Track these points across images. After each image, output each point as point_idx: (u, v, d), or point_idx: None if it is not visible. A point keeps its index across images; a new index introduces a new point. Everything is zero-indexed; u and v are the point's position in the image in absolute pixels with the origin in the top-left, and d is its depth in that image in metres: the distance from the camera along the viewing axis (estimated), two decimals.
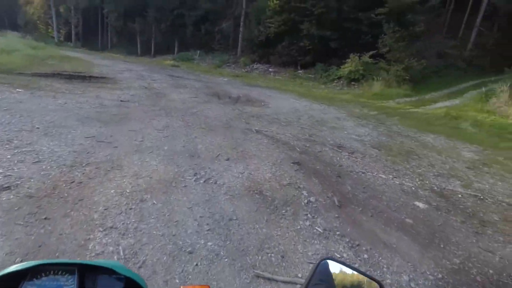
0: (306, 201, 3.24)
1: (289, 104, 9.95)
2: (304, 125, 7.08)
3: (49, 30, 34.11)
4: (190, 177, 3.48)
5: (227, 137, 5.24)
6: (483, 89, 13.30)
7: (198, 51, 25.64)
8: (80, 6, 31.29)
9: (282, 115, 7.98)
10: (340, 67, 17.52)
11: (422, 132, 7.81)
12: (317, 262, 0.70)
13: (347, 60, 16.88)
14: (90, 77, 10.60)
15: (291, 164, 4.27)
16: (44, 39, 29.80)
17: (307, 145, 5.35)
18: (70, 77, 10.02)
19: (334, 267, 0.70)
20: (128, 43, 31.15)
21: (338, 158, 4.86)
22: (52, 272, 0.55)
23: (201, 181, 3.41)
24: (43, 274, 0.55)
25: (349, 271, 0.70)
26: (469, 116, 10.18)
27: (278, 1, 18.84)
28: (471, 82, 17.91)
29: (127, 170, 3.43)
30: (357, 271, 0.70)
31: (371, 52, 16.29)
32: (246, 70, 21.32)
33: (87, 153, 3.79)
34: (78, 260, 0.59)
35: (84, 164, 3.44)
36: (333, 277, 0.69)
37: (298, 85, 16.56)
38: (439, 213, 3.42)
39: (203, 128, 5.62)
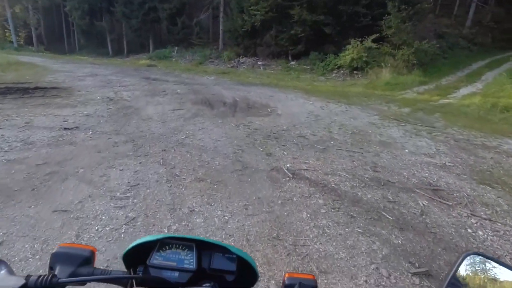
0: None
1: (301, 107, 7.48)
2: (346, 144, 4.65)
3: (7, 34, 29.79)
4: None
5: (249, 200, 2.74)
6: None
7: (176, 48, 22.57)
8: (38, 5, 27.20)
9: (304, 127, 5.51)
10: (338, 55, 15.12)
11: (494, 136, 5.55)
12: (462, 256, 0.60)
13: (347, 46, 14.48)
14: (36, 88, 7.72)
15: (417, 281, 1.87)
16: (1, 44, 25.91)
17: (389, 197, 2.94)
18: (5, 91, 7.13)
19: (482, 263, 0.59)
20: (98, 43, 27.51)
21: (472, 234, 2.45)
22: (175, 246, 0.59)
23: None
24: (167, 247, 0.59)
25: (501, 269, 0.57)
26: (511, 104, 8.06)
27: None
28: (480, 62, 15.99)
29: None
30: None
31: (373, 36, 13.96)
32: (231, 65, 18.57)
33: None
34: (197, 236, 0.60)
35: None
36: (480, 274, 0.59)
37: (295, 79, 14.06)
38: None
39: (201, 180, 3.08)
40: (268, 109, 6.99)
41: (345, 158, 3.97)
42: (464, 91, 10.68)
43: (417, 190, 3.15)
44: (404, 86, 11.40)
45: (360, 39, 14.07)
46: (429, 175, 3.59)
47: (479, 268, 0.60)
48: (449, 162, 4.11)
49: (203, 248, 0.60)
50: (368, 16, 15.08)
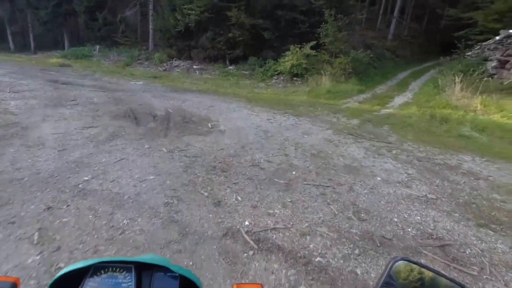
0: None
1: (246, 119, 6.42)
2: (310, 173, 3.70)
3: None
4: None
5: None
6: (438, 78, 11.93)
7: (98, 46, 19.64)
8: None
9: (255, 150, 4.44)
10: (277, 61, 14.56)
11: (449, 152, 5.26)
12: (390, 262, 0.62)
13: (286, 52, 13.98)
14: None
15: None
16: None
17: None
18: None
19: (409, 268, 0.63)
20: None
21: None
22: (111, 269, 0.54)
23: None
24: (102, 272, 0.53)
25: (426, 273, 0.62)
26: (446, 114, 8.31)
27: None
28: (404, 72, 17.11)
29: None
30: (436, 273, 0.61)
31: (312, 43, 13.73)
32: (164, 68, 16.68)
33: None
34: (134, 257, 0.56)
35: None
36: (408, 278, 0.62)
37: (234, 85, 12.99)
38: None
39: None
40: (209, 124, 5.75)
41: (318, 200, 2.99)
42: (398, 100, 10.91)
43: (424, 251, 2.31)
44: (345, 94, 11.24)
45: (299, 45, 13.70)
46: (422, 219, 2.83)
47: (407, 273, 0.62)
48: (429, 193, 3.46)
49: (143, 269, 0.55)
50: (306, 23, 14.87)
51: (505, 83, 10.43)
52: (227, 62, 16.67)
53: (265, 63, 15.15)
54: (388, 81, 14.64)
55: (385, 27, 23.65)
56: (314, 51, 13.80)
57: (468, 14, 14.71)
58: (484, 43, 12.97)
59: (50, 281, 0.51)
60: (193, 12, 15.01)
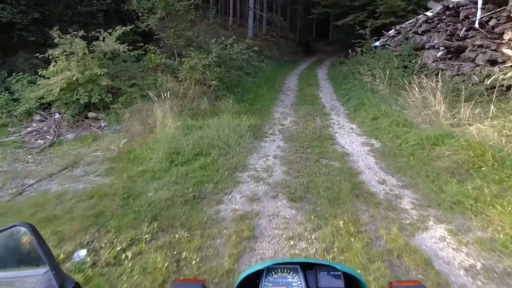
0: None
1: None
2: None
3: None
4: None
5: None
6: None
7: None
8: None
9: None
10: (39, 75, 5.42)
11: None
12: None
13: (50, 51, 5.16)
14: None
15: None
16: None
17: None
18: None
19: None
20: None
21: None
22: (280, 271, 0.59)
23: None
24: (274, 273, 0.59)
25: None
26: None
27: None
28: (288, 78, 11.00)
29: None
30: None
31: (121, 29, 5.54)
32: None
33: None
34: (300, 258, 0.59)
35: None
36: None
37: None
38: None
39: None
40: None
41: None
42: (354, 146, 4.25)
43: None
44: (227, 154, 3.61)
45: (81, 32, 5.20)
46: None
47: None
48: None
49: (306, 268, 0.59)
50: None
51: (487, 82, 5.22)
52: None
53: (10, 84, 5.78)
54: (281, 95, 8.06)
55: (237, 26, 18.12)
56: (130, 47, 5.66)
57: None
58: (402, 26, 8.26)
59: (236, 283, 0.57)
60: None
